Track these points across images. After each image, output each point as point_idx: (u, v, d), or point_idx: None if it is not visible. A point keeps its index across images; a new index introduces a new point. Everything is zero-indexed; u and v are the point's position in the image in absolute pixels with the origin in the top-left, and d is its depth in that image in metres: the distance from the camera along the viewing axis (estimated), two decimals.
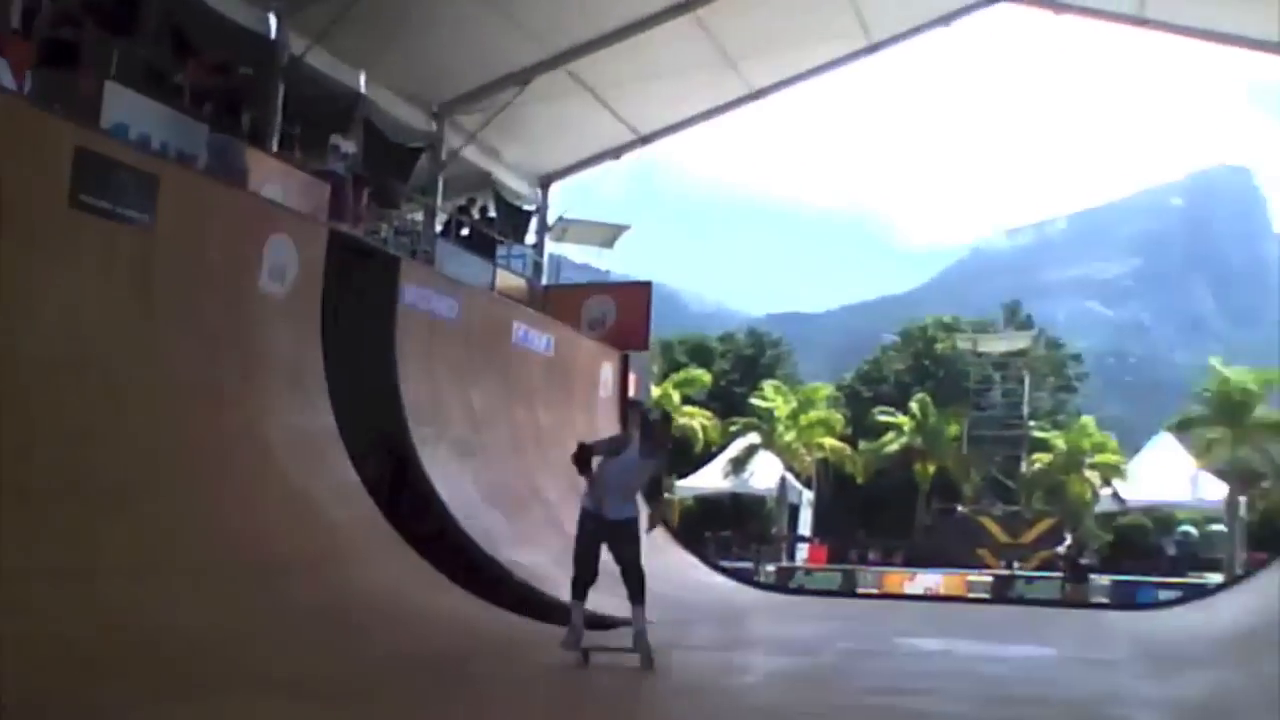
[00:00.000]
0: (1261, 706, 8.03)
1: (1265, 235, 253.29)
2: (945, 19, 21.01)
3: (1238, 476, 33.93)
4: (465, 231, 19.61)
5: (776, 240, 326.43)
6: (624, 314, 20.78)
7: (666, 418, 11.16)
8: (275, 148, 15.05)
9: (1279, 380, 37.79)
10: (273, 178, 13.41)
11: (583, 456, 8.44)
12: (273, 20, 15.63)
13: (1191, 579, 26.83)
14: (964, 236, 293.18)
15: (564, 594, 11.83)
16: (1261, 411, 35.34)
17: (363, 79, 17.48)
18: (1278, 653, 10.07)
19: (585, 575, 8.55)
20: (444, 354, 14.47)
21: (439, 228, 19.11)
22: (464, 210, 20.04)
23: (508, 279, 19.62)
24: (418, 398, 13.50)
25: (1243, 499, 34.16)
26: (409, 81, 18.32)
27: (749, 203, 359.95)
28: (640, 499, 8.79)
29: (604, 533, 8.46)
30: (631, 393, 20.77)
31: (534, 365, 16.98)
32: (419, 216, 19.28)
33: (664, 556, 18.27)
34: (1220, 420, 34.70)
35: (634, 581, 8.41)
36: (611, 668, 8.67)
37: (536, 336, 17.09)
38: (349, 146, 14.96)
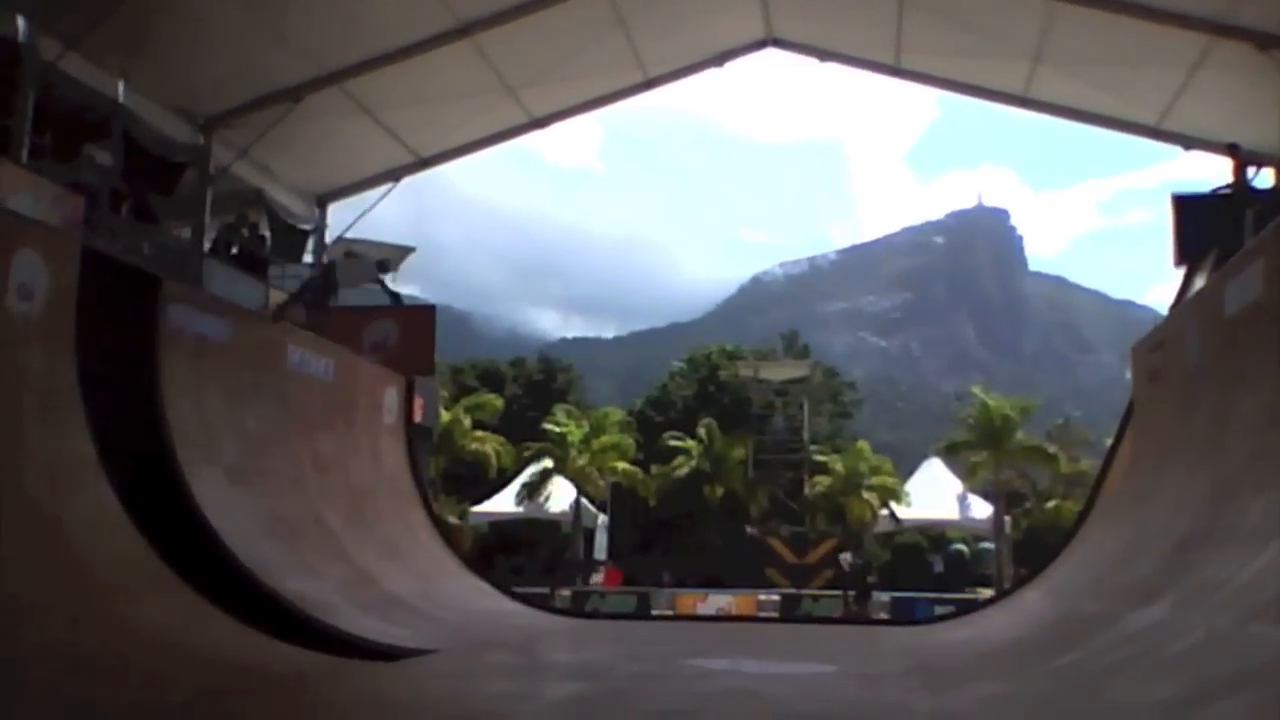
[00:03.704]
0: (1026, 718, 8.26)
1: (1021, 273, 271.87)
2: (718, 59, 21.68)
3: (1002, 497, 35.99)
4: (235, 250, 18.67)
5: (565, 266, 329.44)
6: (407, 337, 20.25)
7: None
8: (25, 158, 13.91)
9: (1035, 408, 40.52)
10: (21, 189, 12.38)
11: None
12: (21, 23, 14.47)
13: (965, 594, 28.19)
14: (743, 268, 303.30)
15: (345, 623, 11.34)
16: (1021, 436, 37.70)
17: (121, 88, 16.40)
18: (1041, 665, 10.50)
19: None
20: (214, 377, 13.61)
21: (207, 246, 18.14)
22: (234, 228, 19.08)
23: (282, 300, 18.78)
24: (184, 422, 12.63)
25: (1007, 518, 36.26)
26: (173, 93, 17.35)
27: (533, 227, 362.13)
28: None
29: None
30: (418, 417, 20.15)
31: (313, 389, 16.20)
32: (187, 234, 18.24)
33: (454, 584, 17.77)
34: (983, 444, 36.79)
35: None
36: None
37: (315, 360, 16.32)
38: (104, 158, 14.00)
